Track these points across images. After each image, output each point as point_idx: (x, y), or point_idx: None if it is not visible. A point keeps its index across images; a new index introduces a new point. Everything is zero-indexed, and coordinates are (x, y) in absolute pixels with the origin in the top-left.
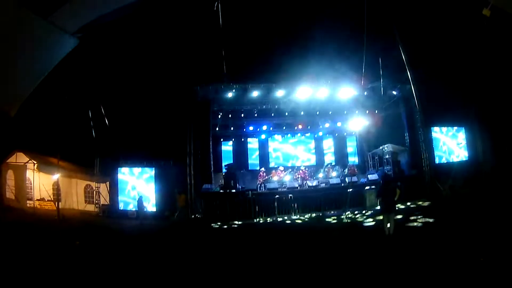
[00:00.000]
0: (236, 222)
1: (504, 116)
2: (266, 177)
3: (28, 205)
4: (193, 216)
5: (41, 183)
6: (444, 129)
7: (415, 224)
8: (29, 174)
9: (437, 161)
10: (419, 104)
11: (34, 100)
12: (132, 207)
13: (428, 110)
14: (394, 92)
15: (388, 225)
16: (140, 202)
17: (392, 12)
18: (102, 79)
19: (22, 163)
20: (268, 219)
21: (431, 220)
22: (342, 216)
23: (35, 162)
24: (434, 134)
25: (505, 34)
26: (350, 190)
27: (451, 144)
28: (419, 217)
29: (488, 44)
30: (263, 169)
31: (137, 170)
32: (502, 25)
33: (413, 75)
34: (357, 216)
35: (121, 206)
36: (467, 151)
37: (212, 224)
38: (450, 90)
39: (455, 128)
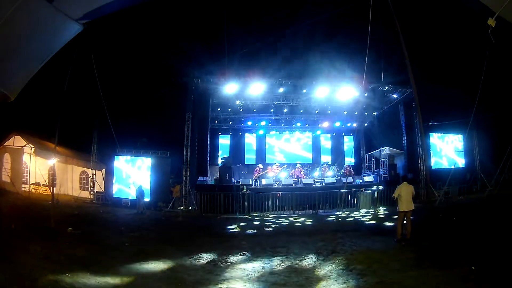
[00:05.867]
0: (228, 216)
1: (502, 125)
2: (262, 173)
3: (23, 189)
4: (186, 208)
5: (37, 167)
6: (442, 135)
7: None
8: (25, 158)
9: (433, 166)
10: (419, 109)
11: (35, 83)
12: (118, 193)
13: (427, 115)
14: (395, 96)
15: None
16: (140, 191)
17: (397, 16)
18: (104, 66)
19: (20, 147)
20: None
21: None
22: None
23: (32, 146)
24: (432, 140)
25: (508, 44)
26: (345, 190)
27: (448, 151)
28: None
29: (491, 54)
30: (260, 165)
31: (133, 159)
32: (505, 35)
33: (414, 80)
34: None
35: (116, 194)
36: (464, 159)
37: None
38: (450, 96)
39: (453, 135)
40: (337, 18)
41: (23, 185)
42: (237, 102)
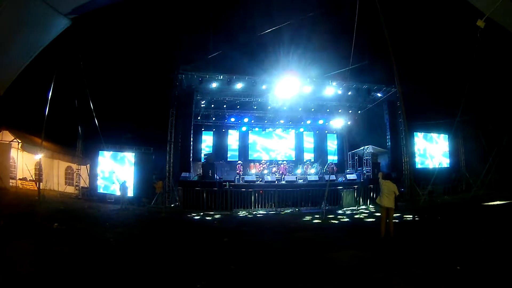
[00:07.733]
0: (211, 212)
1: (487, 126)
2: (244, 169)
3: (10, 184)
4: (169, 204)
5: (24, 162)
6: (427, 134)
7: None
8: (13, 152)
9: (418, 166)
10: (403, 108)
11: (22, 77)
12: (102, 189)
13: (412, 114)
14: (379, 94)
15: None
16: (123, 187)
17: (383, 14)
18: (89, 62)
19: (7, 142)
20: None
21: None
22: None
23: (19, 141)
24: (416, 139)
25: (495, 45)
26: (328, 188)
27: (433, 150)
28: None
29: (477, 55)
30: (239, 161)
31: (117, 154)
32: (493, 36)
33: (399, 79)
34: None
35: (100, 189)
36: (449, 159)
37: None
38: (436, 97)
39: (438, 134)
40: (321, 15)
41: (10, 180)
42: (221, 99)
